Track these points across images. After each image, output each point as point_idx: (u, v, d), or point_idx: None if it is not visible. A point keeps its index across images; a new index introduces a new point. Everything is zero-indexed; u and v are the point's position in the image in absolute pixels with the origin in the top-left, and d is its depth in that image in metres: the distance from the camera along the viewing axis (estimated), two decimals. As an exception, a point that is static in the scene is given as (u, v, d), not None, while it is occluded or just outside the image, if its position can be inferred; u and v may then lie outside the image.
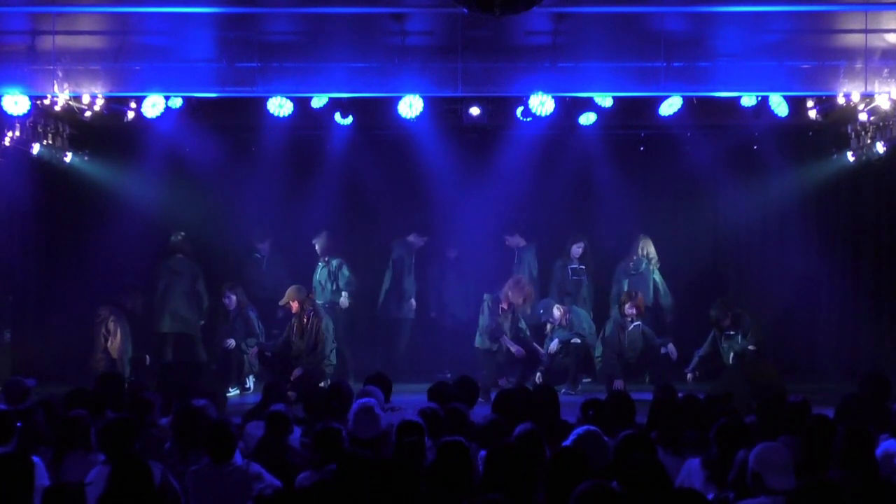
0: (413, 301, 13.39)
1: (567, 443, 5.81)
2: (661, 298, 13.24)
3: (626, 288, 12.74)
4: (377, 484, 4.88)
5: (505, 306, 11.99)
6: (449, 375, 11.68)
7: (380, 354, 13.49)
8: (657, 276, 13.27)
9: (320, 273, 13.14)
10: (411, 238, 13.51)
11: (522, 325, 12.17)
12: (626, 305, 12.15)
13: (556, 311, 12.40)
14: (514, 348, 11.88)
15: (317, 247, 13.20)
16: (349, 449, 6.06)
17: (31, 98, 10.65)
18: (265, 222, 13.64)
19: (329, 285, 13.03)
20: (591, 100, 11.51)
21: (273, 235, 13.60)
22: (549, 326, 12.57)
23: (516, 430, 6.12)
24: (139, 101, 11.31)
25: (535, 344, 12.20)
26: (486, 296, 12.21)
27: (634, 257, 13.23)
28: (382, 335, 13.77)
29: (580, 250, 13.20)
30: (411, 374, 12.99)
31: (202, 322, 13.17)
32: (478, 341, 12.10)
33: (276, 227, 13.72)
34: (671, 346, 12.07)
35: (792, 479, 5.04)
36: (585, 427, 5.92)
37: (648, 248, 13.26)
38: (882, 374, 8.76)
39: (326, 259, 13.13)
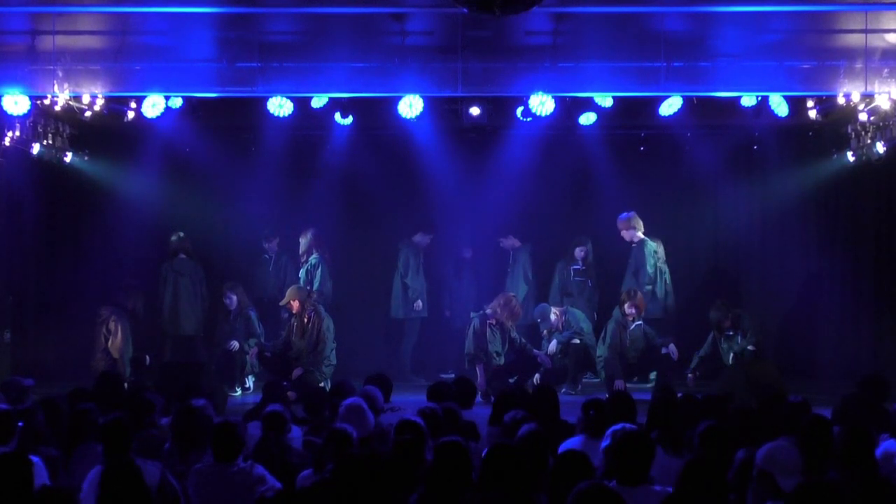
0: (420, 301, 13.36)
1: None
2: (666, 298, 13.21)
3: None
4: (376, 483, 4.87)
5: (493, 322, 11.96)
6: (454, 375, 11.67)
7: (385, 354, 13.45)
8: (667, 277, 13.24)
9: (300, 271, 13.13)
10: (417, 238, 13.44)
11: (514, 334, 12.10)
12: (626, 305, 12.13)
13: (553, 316, 12.35)
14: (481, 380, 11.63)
15: (302, 244, 13.18)
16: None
17: (31, 98, 10.65)
18: (266, 222, 13.62)
19: (306, 284, 12.91)
20: (591, 100, 11.50)
21: (279, 235, 13.59)
22: (545, 331, 12.53)
23: (520, 430, 6.11)
24: (139, 101, 11.31)
25: (534, 350, 12.16)
26: (472, 314, 12.21)
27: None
28: (389, 335, 13.75)
29: (583, 252, 13.16)
30: (418, 373, 13.01)
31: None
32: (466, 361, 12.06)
33: (275, 227, 13.71)
34: (672, 347, 12.02)
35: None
36: (622, 424, 5.84)
37: (659, 251, 13.22)
38: (881, 375, 8.76)
39: (305, 258, 13.12)
